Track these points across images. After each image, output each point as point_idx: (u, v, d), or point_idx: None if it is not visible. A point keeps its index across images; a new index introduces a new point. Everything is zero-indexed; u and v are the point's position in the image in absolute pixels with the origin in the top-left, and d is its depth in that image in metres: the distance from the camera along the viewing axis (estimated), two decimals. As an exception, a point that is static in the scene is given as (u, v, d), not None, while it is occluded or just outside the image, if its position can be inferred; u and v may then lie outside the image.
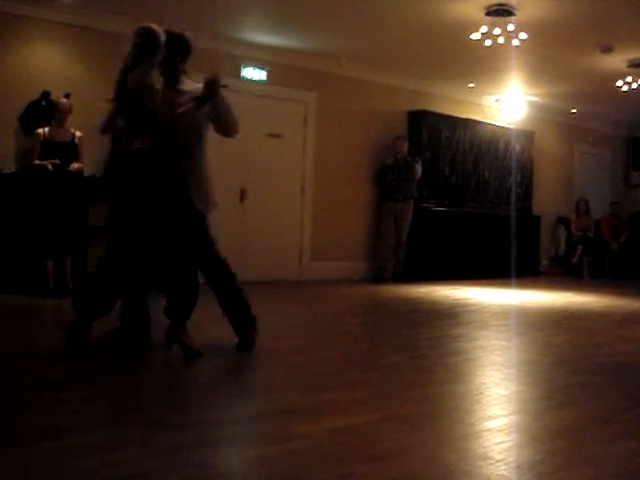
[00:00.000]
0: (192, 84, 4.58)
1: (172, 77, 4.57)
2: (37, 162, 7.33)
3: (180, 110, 4.36)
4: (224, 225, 9.28)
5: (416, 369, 4.44)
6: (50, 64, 8.16)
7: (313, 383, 3.89)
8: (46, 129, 7.49)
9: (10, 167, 7.76)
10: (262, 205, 9.76)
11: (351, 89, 10.52)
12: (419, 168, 10.57)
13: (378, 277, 10.50)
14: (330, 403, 3.44)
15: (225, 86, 4.62)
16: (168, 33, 4.49)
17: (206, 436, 2.87)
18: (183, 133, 4.46)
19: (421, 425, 3.15)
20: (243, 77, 9.44)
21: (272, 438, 2.88)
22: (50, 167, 7.29)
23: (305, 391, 3.69)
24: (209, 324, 4.96)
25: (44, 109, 7.72)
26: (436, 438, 2.98)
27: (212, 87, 4.38)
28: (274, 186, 9.85)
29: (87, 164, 7.68)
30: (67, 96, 7.62)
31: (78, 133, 7.54)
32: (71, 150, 7.48)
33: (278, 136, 9.87)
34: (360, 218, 10.81)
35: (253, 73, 9.55)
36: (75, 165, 7.44)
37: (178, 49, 4.54)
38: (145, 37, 4.44)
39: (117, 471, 2.44)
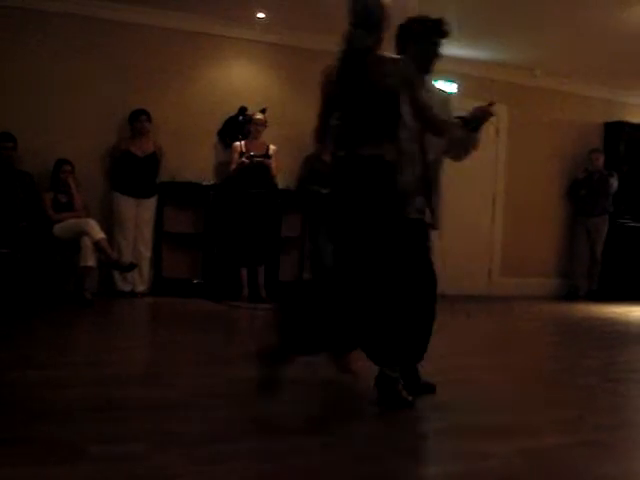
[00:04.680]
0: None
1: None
2: (239, 160, 7.72)
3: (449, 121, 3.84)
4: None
5: (610, 393, 4.23)
6: (247, 81, 8.49)
7: (503, 402, 3.81)
8: (243, 142, 7.83)
9: (209, 179, 8.16)
10: (453, 219, 9.63)
11: (544, 100, 10.22)
12: (614, 182, 10.10)
13: (571, 294, 10.13)
14: (520, 423, 3.35)
15: (492, 103, 4.18)
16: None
17: (394, 449, 2.88)
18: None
19: (616, 453, 3.01)
20: (433, 90, 9.38)
21: (461, 456, 2.84)
22: (246, 161, 7.64)
23: (494, 410, 3.61)
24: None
25: (241, 124, 8.10)
26: (631, 469, 2.82)
27: (484, 118, 3.93)
28: (465, 199, 9.72)
29: (280, 177, 7.95)
30: (263, 111, 7.94)
31: (272, 146, 7.83)
32: (265, 162, 7.82)
33: (469, 149, 9.73)
34: (552, 233, 10.46)
35: (443, 86, 9.47)
36: (267, 161, 7.76)
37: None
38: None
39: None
